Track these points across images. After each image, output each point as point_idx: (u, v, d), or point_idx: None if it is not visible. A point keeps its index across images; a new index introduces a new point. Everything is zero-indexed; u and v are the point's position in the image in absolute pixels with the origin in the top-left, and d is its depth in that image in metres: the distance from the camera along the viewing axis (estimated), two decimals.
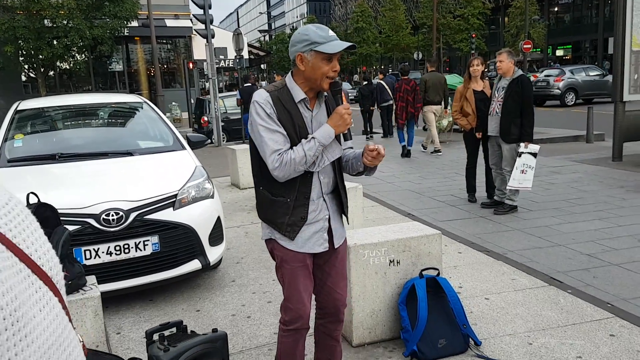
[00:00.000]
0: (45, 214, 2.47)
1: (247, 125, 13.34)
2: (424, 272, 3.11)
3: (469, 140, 6.42)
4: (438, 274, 3.14)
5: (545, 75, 20.73)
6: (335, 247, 2.33)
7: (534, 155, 5.66)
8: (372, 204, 6.51)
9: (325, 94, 2.25)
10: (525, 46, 27.03)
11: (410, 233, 3.22)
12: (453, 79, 15.47)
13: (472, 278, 4.04)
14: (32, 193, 2.52)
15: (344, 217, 2.41)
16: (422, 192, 7.25)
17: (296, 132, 2.15)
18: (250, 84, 12.73)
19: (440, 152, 10.44)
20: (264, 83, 17.31)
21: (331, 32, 2.10)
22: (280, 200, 2.23)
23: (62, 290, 0.59)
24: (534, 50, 41.61)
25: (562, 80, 19.88)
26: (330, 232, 2.30)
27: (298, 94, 2.18)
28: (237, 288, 4.03)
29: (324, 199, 2.27)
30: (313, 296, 2.39)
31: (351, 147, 2.41)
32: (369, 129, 13.71)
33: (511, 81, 5.65)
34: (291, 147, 2.14)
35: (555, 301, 3.58)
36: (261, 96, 2.17)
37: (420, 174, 8.53)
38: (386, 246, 3.11)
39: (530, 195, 6.48)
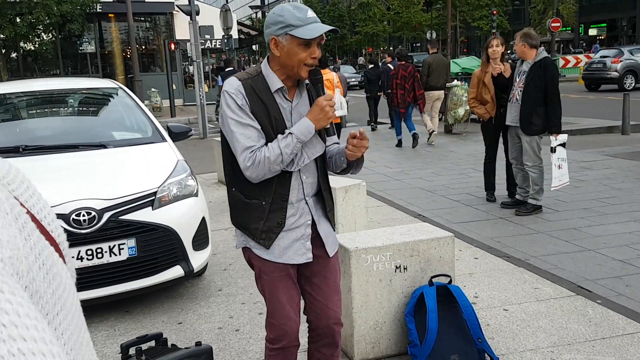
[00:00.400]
0: None
1: None
2: (434, 280, 3.14)
3: (487, 131, 6.46)
4: (450, 282, 3.18)
5: (602, 56, 20.67)
6: (330, 255, 2.34)
7: (563, 145, 5.70)
8: (378, 204, 6.55)
9: (307, 82, 2.23)
10: (553, 24, 27.06)
11: (419, 235, 3.25)
12: (470, 62, 15.54)
13: (489, 287, 4.07)
14: None
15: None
16: (434, 190, 7.29)
17: (272, 125, 2.14)
18: (232, 69, 12.82)
19: (435, 131, 10.81)
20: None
21: (310, 13, 2.07)
22: (254, 203, 2.21)
23: (66, 252, 0.64)
24: (564, 29, 41.61)
25: (621, 61, 19.75)
26: (318, 239, 2.30)
27: (274, 82, 2.16)
28: (225, 298, 4.06)
29: (306, 202, 2.26)
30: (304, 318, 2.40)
31: (337, 143, 2.38)
32: (374, 119, 13.82)
33: (533, 65, 5.68)
34: (266, 144, 2.13)
35: (583, 313, 3.62)
36: (232, 85, 2.15)
37: (433, 170, 8.56)
38: (392, 250, 3.14)
39: (556, 193, 6.52)
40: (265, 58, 2.24)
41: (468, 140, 11.21)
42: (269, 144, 2.13)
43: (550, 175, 5.79)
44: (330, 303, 2.37)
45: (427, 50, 12.55)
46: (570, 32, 50.07)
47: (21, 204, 0.57)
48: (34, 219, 0.58)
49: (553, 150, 5.68)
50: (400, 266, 3.17)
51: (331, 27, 2.08)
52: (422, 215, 6.08)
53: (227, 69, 13.14)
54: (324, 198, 2.31)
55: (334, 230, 2.42)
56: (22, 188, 0.60)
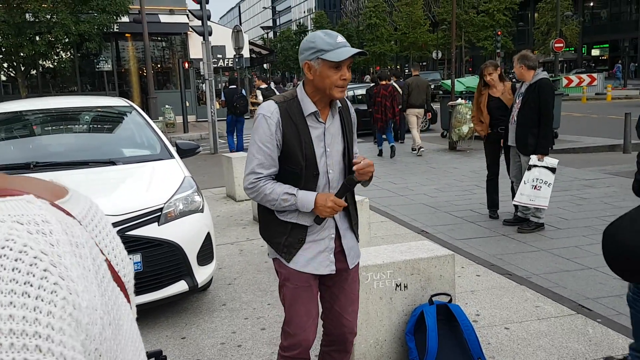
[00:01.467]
0: None
1: (229, 126, 13.60)
2: (434, 298, 3.09)
3: (489, 148, 6.42)
4: (450, 300, 3.12)
5: None
6: (350, 267, 2.37)
7: (552, 170, 5.59)
8: (382, 219, 6.49)
9: (339, 104, 2.31)
10: (556, 45, 27.02)
11: (419, 253, 3.20)
12: (474, 81, 15.46)
13: (490, 305, 4.00)
14: None
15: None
16: (437, 206, 7.22)
17: (301, 148, 2.20)
18: (234, 87, 13.10)
19: (423, 148, 11.80)
20: (272, 85, 17.34)
21: (340, 38, 2.15)
22: (278, 219, 2.28)
23: (131, 291, 0.63)
24: (567, 49, 41.59)
25: None
26: (342, 252, 2.34)
27: (308, 106, 2.23)
28: (228, 313, 4.02)
29: (333, 217, 2.29)
30: (321, 322, 2.40)
31: (356, 152, 2.44)
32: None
33: (529, 86, 5.63)
34: (283, 169, 2.21)
35: (584, 332, 3.54)
36: (269, 109, 2.22)
37: (437, 186, 8.50)
38: (392, 268, 3.09)
39: (558, 211, 6.43)
40: (301, 82, 2.29)
41: (472, 157, 11.14)
42: (276, 185, 2.20)
43: (554, 192, 5.70)
44: (346, 313, 2.42)
45: (435, 69, 14.39)
46: (573, 52, 50.01)
47: (101, 251, 0.56)
48: (110, 266, 0.57)
49: (528, 168, 5.61)
50: (400, 284, 3.11)
51: (359, 50, 2.14)
52: (425, 231, 6.02)
53: (230, 86, 13.36)
54: (349, 212, 2.37)
55: (357, 242, 2.47)
56: (102, 230, 0.59)
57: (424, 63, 63.65)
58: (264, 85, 14.30)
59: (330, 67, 2.14)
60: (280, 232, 2.28)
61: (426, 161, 10.98)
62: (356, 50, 2.12)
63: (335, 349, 2.48)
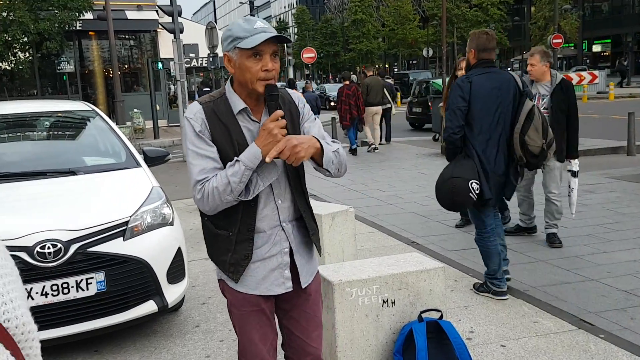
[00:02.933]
0: None
1: None
2: (424, 315, 3.10)
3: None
4: (441, 317, 3.13)
5: None
6: (303, 286, 2.27)
7: (575, 174, 5.64)
8: (369, 230, 6.51)
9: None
10: (555, 41, 27.43)
11: (407, 267, 3.21)
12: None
13: (486, 320, 4.02)
14: None
15: (315, 247, 2.34)
16: (429, 215, 7.26)
17: (235, 150, 2.09)
18: (208, 89, 13.65)
19: (377, 149, 13.42)
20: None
21: (259, 24, 2.03)
22: (222, 234, 2.19)
23: (30, 345, 0.62)
24: (566, 45, 42.21)
25: None
26: (294, 268, 2.24)
27: (237, 103, 2.12)
28: (202, 335, 3.99)
29: (283, 228, 2.20)
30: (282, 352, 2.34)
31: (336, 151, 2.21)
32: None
33: (555, 88, 5.56)
34: None
35: (585, 348, 3.57)
36: (192, 110, 2.13)
37: (427, 194, 8.53)
38: (378, 283, 3.09)
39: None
40: (229, 78, 2.20)
41: None
42: (218, 173, 2.07)
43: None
44: (309, 339, 2.32)
45: (426, 68, 15.88)
46: (573, 48, 50.75)
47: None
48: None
49: (575, 174, 5.63)
50: (387, 300, 3.12)
51: (275, 34, 1.99)
52: (415, 242, 6.04)
53: (204, 89, 13.61)
54: (304, 221, 2.25)
55: (318, 256, 2.37)
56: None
57: (414, 61, 64.13)
58: None
59: (249, 57, 2.01)
60: (224, 249, 2.18)
61: (416, 167, 11.04)
62: (272, 34, 1.98)
63: None
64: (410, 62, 65.70)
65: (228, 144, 2.10)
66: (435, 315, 3.13)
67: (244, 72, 2.05)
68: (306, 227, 2.26)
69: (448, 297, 4.11)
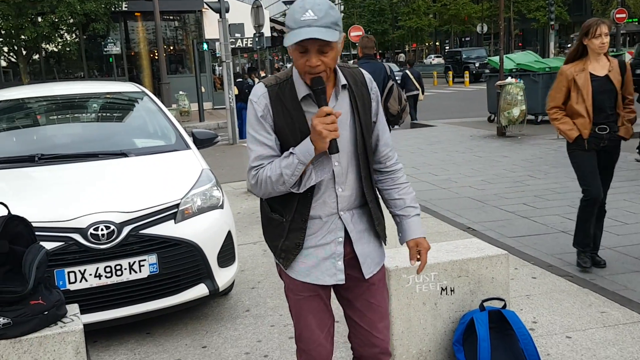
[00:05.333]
0: (16, 230, 2.50)
1: (238, 113, 14.88)
2: (485, 304, 3.04)
3: (581, 158, 4.60)
4: (504, 306, 3.07)
5: None
6: (366, 277, 2.24)
7: None
8: (422, 216, 6.38)
9: (343, 80, 2.12)
10: (618, 15, 26.41)
11: (468, 253, 3.17)
12: (526, 57, 15.22)
13: (549, 311, 3.94)
14: (1, 203, 2.57)
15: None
16: (485, 200, 7.13)
17: (296, 139, 2.05)
18: (240, 80, 14.58)
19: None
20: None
21: (309, 14, 1.92)
22: (276, 219, 2.19)
23: None
24: (630, 20, 40.53)
25: None
26: (355, 258, 2.21)
27: (301, 89, 2.07)
28: (252, 319, 4.03)
29: (340, 217, 2.17)
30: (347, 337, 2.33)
31: (386, 144, 2.27)
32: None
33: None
34: None
35: None
36: (256, 93, 2.11)
37: (484, 177, 8.39)
38: (437, 270, 3.05)
39: (625, 204, 6.26)
40: None
41: (524, 143, 10.95)
42: (273, 161, 2.07)
43: (619, 183, 5.54)
44: (375, 331, 2.29)
45: (480, 45, 15.32)
46: (637, 24, 48.73)
47: None
48: None
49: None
50: (446, 288, 3.08)
51: (307, 37, 1.89)
52: (471, 228, 5.95)
53: (237, 80, 14.14)
54: (369, 209, 2.23)
55: (383, 245, 2.34)
56: None
57: (467, 38, 62.85)
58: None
59: (296, 49, 1.96)
60: (277, 234, 2.19)
61: (471, 149, 10.85)
62: (304, 37, 1.88)
63: None
64: (463, 39, 64.43)
65: (290, 132, 2.08)
66: (497, 305, 3.07)
67: (295, 61, 2.03)
68: (372, 215, 2.23)
69: (509, 285, 4.03)
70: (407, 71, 16.27)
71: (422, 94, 16.12)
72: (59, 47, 19.16)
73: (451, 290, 3.09)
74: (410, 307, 3.04)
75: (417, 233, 2.30)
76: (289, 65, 2.30)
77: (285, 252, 2.17)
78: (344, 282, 2.21)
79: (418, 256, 2.30)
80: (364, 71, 2.26)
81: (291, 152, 2.02)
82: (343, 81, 2.11)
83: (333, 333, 2.31)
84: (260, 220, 2.34)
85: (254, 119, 2.09)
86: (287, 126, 2.08)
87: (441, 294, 3.08)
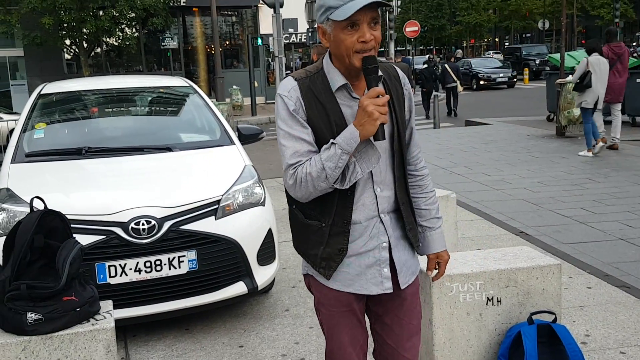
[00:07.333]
0: (52, 224, 2.50)
1: None
2: (534, 317, 2.88)
3: None
4: (554, 320, 2.89)
5: None
6: (402, 287, 2.09)
7: None
8: (472, 218, 6.24)
9: (380, 73, 1.97)
10: None
11: (517, 262, 3.01)
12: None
13: (604, 323, 3.73)
14: (37, 197, 2.57)
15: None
16: (540, 203, 6.86)
17: (332, 132, 1.93)
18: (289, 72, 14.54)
19: None
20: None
21: None
22: (313, 225, 2.03)
23: None
24: None
25: None
26: (392, 265, 2.07)
27: (336, 79, 1.96)
28: (291, 320, 3.96)
29: (382, 220, 2.04)
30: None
31: (416, 145, 2.16)
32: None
33: None
34: None
35: None
36: (285, 87, 1.99)
37: (540, 179, 8.09)
38: (482, 279, 2.91)
39: None
40: (327, 52, 2.04)
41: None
42: (312, 157, 1.93)
43: None
44: (403, 350, 2.15)
45: (541, 41, 16.81)
46: None
47: None
48: None
49: None
50: (493, 298, 2.93)
51: (369, 1, 1.80)
52: (524, 232, 5.73)
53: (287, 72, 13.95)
54: (401, 213, 2.08)
55: (415, 255, 2.19)
56: None
57: (528, 34, 61.25)
58: None
59: (344, 28, 1.86)
60: (316, 242, 2.03)
61: (527, 149, 10.49)
62: (363, 4, 1.80)
63: None
64: (524, 35, 62.81)
65: (325, 125, 1.95)
66: (548, 318, 2.89)
67: (339, 45, 1.90)
68: (404, 220, 2.09)
69: (561, 296, 3.83)
70: (446, 65, 17.84)
71: (461, 85, 17.87)
72: (119, 40, 19.65)
73: (498, 301, 2.93)
74: (454, 317, 2.90)
75: (440, 246, 2.21)
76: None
77: (327, 261, 2.03)
78: (392, 291, 2.07)
79: (436, 267, 2.24)
80: (396, 67, 2.15)
81: (332, 143, 1.89)
82: (379, 72, 1.98)
83: (366, 350, 2.18)
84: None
85: (285, 114, 1.97)
86: (321, 119, 1.95)
87: (487, 304, 2.93)
